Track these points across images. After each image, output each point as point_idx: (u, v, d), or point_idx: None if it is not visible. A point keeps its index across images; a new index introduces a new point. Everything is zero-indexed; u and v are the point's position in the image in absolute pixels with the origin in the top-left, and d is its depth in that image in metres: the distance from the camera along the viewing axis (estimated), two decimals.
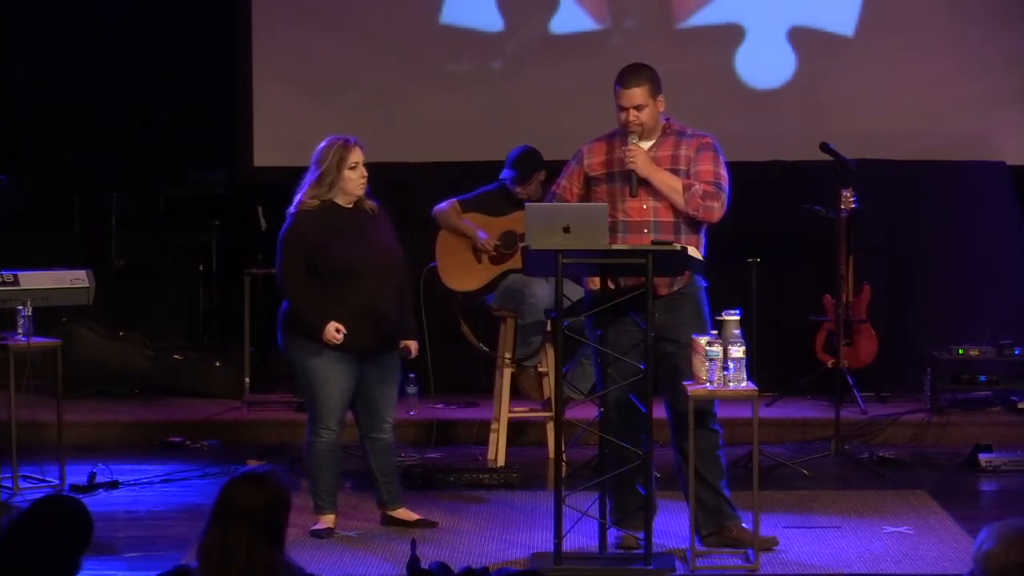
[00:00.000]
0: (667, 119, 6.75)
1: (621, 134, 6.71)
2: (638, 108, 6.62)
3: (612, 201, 6.66)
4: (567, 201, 6.79)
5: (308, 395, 7.05)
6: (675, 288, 6.66)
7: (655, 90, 6.66)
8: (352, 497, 7.61)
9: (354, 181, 6.97)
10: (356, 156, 6.98)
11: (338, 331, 6.84)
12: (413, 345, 7.16)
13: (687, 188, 6.60)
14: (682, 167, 6.66)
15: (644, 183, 6.62)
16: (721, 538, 6.69)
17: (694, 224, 6.66)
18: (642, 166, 6.60)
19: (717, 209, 6.62)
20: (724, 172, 6.70)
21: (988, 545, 3.92)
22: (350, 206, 7.02)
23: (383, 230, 7.08)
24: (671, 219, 6.63)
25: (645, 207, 6.64)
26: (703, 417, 6.61)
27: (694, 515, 6.51)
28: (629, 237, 6.61)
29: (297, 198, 7.02)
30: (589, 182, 6.78)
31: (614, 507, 6.69)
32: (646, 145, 6.67)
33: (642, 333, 6.43)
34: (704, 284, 6.75)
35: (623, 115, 6.65)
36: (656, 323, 6.48)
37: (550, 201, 6.90)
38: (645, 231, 6.63)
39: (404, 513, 7.19)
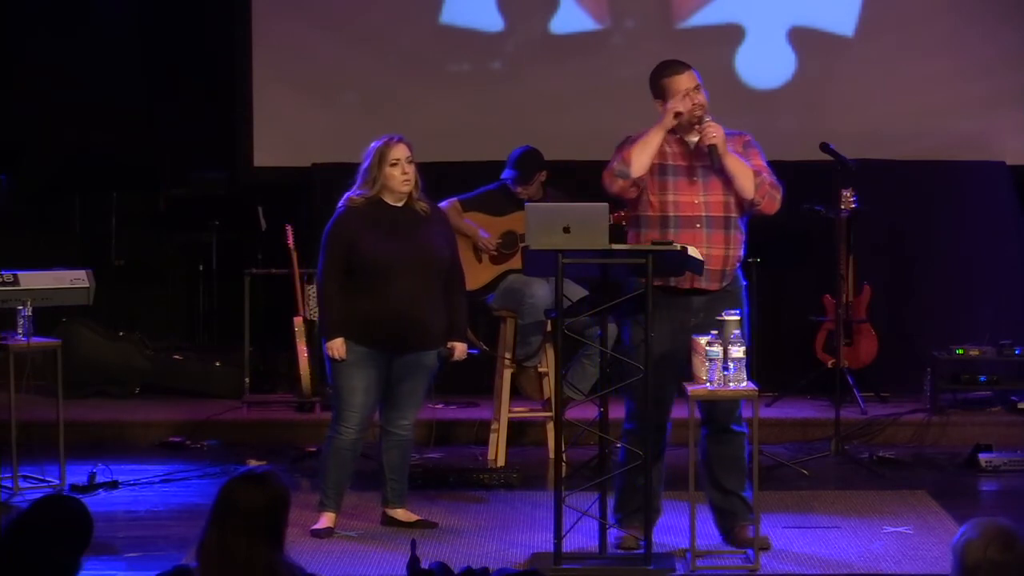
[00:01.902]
0: None
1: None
2: (697, 89, 6.61)
3: (663, 195, 6.62)
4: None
5: (334, 392, 7.08)
6: (723, 284, 6.64)
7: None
8: (352, 497, 7.59)
9: (396, 178, 6.97)
10: (397, 153, 6.98)
11: (342, 357, 6.89)
12: (460, 347, 7.12)
13: (757, 174, 6.59)
14: None
15: (686, 171, 6.58)
16: (730, 537, 6.71)
17: (742, 222, 6.65)
18: (722, 143, 6.56)
19: (779, 200, 6.63)
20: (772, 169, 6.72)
21: (968, 537, 3.95)
22: (399, 204, 7.02)
23: (431, 231, 7.04)
24: (722, 214, 6.60)
25: (697, 201, 6.60)
26: (726, 418, 6.62)
27: (693, 515, 6.50)
28: (682, 233, 6.56)
29: (347, 194, 7.05)
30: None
31: (617, 506, 6.70)
32: (693, 139, 6.64)
33: (678, 329, 6.50)
34: (744, 283, 6.77)
35: (688, 99, 6.56)
36: (701, 321, 6.53)
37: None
38: (698, 226, 6.58)
39: (404, 514, 7.18)
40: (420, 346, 7.03)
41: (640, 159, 6.57)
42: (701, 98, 6.61)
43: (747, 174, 6.57)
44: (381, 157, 6.97)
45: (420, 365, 7.07)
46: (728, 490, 6.68)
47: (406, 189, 7.00)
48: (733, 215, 6.62)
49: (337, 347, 6.92)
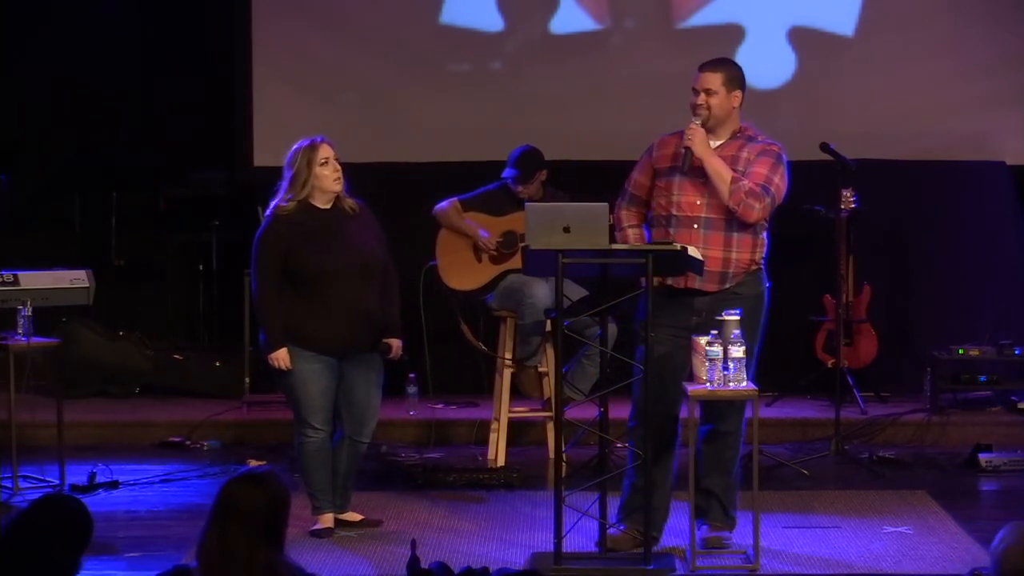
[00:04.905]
0: (744, 124, 6.73)
1: None
2: (708, 92, 6.62)
3: (668, 194, 6.64)
4: (637, 196, 6.77)
5: (289, 397, 7.02)
6: (725, 286, 6.62)
7: (731, 82, 6.66)
8: (352, 497, 7.60)
9: (327, 177, 6.92)
10: (324, 152, 6.92)
11: (287, 367, 6.85)
12: (395, 343, 7.05)
13: (735, 180, 6.56)
14: (739, 168, 6.61)
15: (698, 171, 6.57)
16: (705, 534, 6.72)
17: (749, 224, 6.61)
18: (699, 145, 6.56)
19: (757, 210, 6.55)
20: (778, 180, 6.64)
21: (1006, 544, 3.92)
22: (327, 207, 6.96)
23: (363, 230, 7.00)
24: (722, 216, 6.58)
25: (698, 203, 6.60)
26: (714, 418, 6.61)
27: (694, 515, 6.51)
28: (679, 233, 6.58)
29: (273, 202, 6.97)
30: (655, 174, 6.75)
31: (622, 504, 6.70)
32: (713, 144, 6.64)
33: (680, 328, 6.52)
34: (767, 284, 6.73)
35: (692, 98, 6.65)
36: (703, 321, 6.51)
37: (624, 196, 6.85)
38: (695, 227, 6.58)
39: (351, 516, 7.17)
40: (365, 347, 6.98)
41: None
42: (701, 101, 6.63)
43: (723, 179, 6.55)
44: (309, 159, 6.89)
45: (376, 366, 7.03)
46: (703, 488, 6.66)
47: (338, 188, 6.94)
48: (737, 219, 6.59)
49: (281, 357, 6.87)
